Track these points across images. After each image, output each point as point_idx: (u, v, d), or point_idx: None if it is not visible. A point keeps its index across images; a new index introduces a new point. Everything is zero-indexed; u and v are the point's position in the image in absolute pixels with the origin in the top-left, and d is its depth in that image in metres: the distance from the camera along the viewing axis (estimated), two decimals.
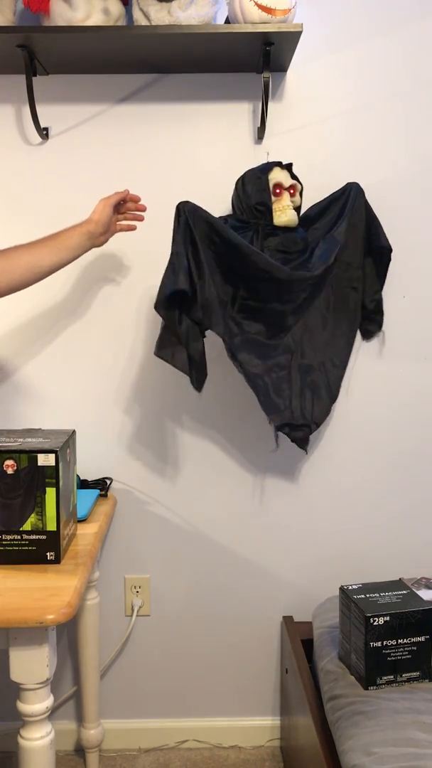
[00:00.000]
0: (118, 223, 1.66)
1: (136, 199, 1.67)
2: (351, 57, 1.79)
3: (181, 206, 1.62)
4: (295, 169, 1.74)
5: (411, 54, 1.79)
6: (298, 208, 1.72)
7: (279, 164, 1.71)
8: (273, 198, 1.68)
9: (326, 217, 1.76)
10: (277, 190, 1.68)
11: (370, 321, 1.83)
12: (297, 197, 1.71)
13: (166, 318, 1.59)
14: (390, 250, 1.77)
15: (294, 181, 1.71)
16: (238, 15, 1.57)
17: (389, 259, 1.78)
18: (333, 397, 1.79)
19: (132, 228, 1.68)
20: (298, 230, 1.72)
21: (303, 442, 1.76)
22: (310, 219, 1.76)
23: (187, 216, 1.60)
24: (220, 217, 1.70)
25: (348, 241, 1.72)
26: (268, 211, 1.68)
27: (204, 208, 1.75)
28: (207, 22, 1.62)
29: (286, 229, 1.69)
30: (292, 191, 1.70)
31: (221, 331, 1.66)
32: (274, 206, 1.68)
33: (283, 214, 1.68)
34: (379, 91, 1.80)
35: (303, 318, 1.75)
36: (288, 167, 1.71)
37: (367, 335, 1.85)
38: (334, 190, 1.76)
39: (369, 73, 1.80)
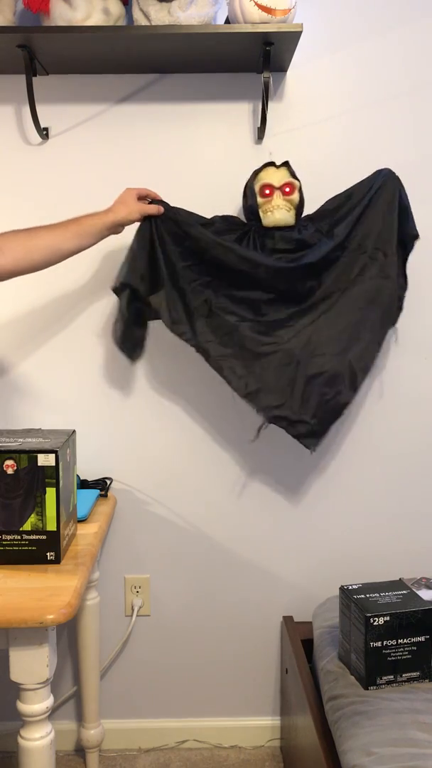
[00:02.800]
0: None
1: (157, 198, 1.68)
2: (351, 57, 1.79)
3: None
4: (295, 169, 1.74)
5: (411, 54, 1.79)
6: (298, 206, 1.71)
7: (272, 164, 1.71)
8: (261, 199, 1.68)
9: (344, 208, 1.72)
10: (267, 191, 1.67)
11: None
12: (294, 195, 1.69)
13: (120, 299, 1.69)
14: (414, 237, 1.73)
15: (291, 179, 1.69)
16: (238, 15, 1.57)
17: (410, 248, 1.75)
18: (347, 393, 1.70)
19: (161, 210, 1.66)
20: (300, 228, 1.71)
21: (306, 440, 1.70)
22: (329, 212, 1.73)
23: (152, 221, 1.65)
24: (211, 218, 1.72)
25: (371, 228, 1.70)
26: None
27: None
28: (207, 22, 1.62)
29: (283, 229, 1.69)
30: (288, 190, 1.68)
31: (184, 329, 1.69)
32: (262, 207, 1.68)
33: (271, 214, 1.67)
34: (379, 91, 1.80)
35: (308, 311, 1.72)
36: (285, 165, 1.71)
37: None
38: (335, 189, 1.76)
39: (369, 73, 1.80)
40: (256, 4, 1.55)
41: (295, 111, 1.80)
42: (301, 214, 1.73)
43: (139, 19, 1.63)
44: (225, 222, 1.72)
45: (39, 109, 1.76)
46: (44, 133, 1.79)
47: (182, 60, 1.71)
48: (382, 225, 1.70)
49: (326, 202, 1.75)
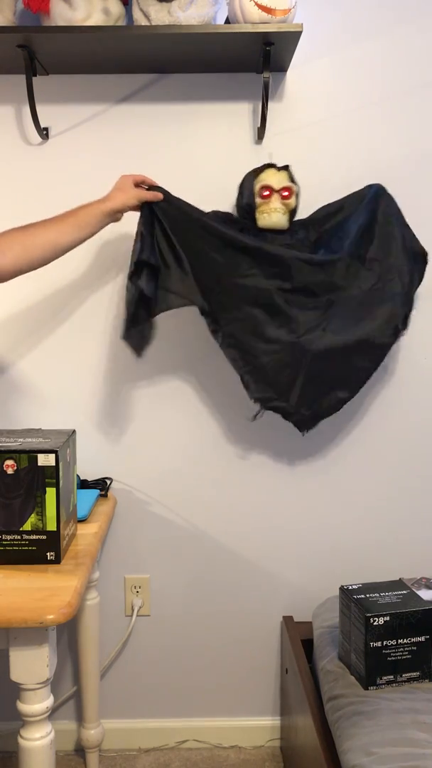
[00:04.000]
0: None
1: (154, 185, 1.64)
2: (351, 57, 1.79)
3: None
4: (294, 169, 1.74)
5: (411, 54, 1.79)
6: (293, 211, 1.71)
7: (273, 166, 1.70)
8: (259, 200, 1.68)
9: (334, 219, 1.73)
10: (265, 192, 1.67)
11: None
12: (291, 200, 1.69)
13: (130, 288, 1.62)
14: (422, 253, 1.74)
15: (290, 184, 1.69)
16: (238, 15, 1.57)
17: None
18: (342, 393, 1.71)
19: (149, 198, 1.62)
20: (292, 233, 1.71)
21: (300, 425, 1.73)
22: (320, 220, 1.74)
23: (152, 206, 1.62)
24: (207, 212, 1.70)
25: (365, 239, 1.68)
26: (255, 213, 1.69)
27: (203, 207, 1.75)
28: (207, 22, 1.62)
29: (273, 232, 1.69)
30: (285, 194, 1.68)
31: (200, 302, 1.65)
32: (259, 208, 1.68)
33: (268, 216, 1.67)
34: (379, 91, 1.80)
35: (315, 309, 1.69)
36: (285, 169, 1.71)
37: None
38: (334, 189, 1.76)
39: (369, 73, 1.80)
40: (256, 4, 1.55)
41: (295, 111, 1.80)
42: (294, 218, 1.73)
43: (139, 19, 1.63)
44: (219, 218, 1.72)
45: (39, 109, 1.76)
46: (44, 133, 1.79)
47: (182, 60, 1.71)
48: (377, 236, 1.68)
49: (318, 210, 1.76)
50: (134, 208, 1.60)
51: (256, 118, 1.80)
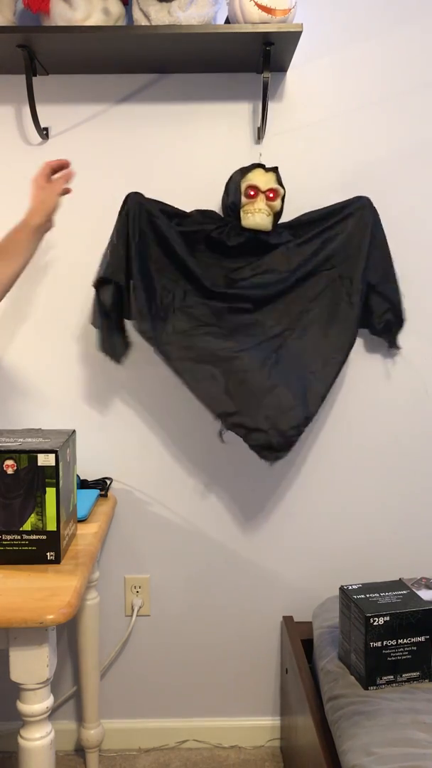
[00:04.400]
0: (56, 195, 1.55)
1: (64, 165, 1.57)
2: (351, 57, 1.79)
3: (129, 197, 1.67)
4: (294, 169, 1.74)
5: (411, 54, 1.79)
6: (277, 214, 1.71)
7: (262, 166, 1.71)
8: (245, 199, 1.68)
9: (318, 226, 1.73)
10: (251, 192, 1.67)
11: (385, 338, 1.82)
12: (276, 202, 1.69)
13: (98, 294, 1.68)
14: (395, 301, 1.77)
15: (276, 186, 1.69)
16: (238, 15, 1.57)
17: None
18: (308, 408, 1.67)
19: (68, 191, 1.58)
20: (273, 234, 1.71)
21: (264, 452, 1.65)
22: (300, 225, 1.75)
23: (129, 208, 1.65)
24: (189, 212, 1.73)
25: (347, 253, 1.71)
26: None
27: (203, 207, 1.76)
28: (207, 22, 1.62)
29: (256, 231, 1.69)
30: (271, 195, 1.68)
31: (146, 327, 1.66)
32: (244, 207, 1.68)
33: (252, 216, 1.67)
34: (379, 91, 1.80)
35: (274, 323, 1.73)
36: (274, 170, 1.71)
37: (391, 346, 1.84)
38: (334, 189, 1.77)
39: (369, 73, 1.80)
40: (256, 4, 1.55)
41: (295, 111, 1.80)
42: (278, 221, 1.73)
43: (139, 19, 1.63)
44: (202, 215, 1.73)
45: (39, 109, 1.76)
46: (44, 133, 1.79)
47: (182, 60, 1.71)
48: (352, 251, 1.71)
49: (304, 214, 1.76)
50: (56, 205, 1.55)
51: (256, 118, 1.80)
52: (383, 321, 1.77)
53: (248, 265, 1.72)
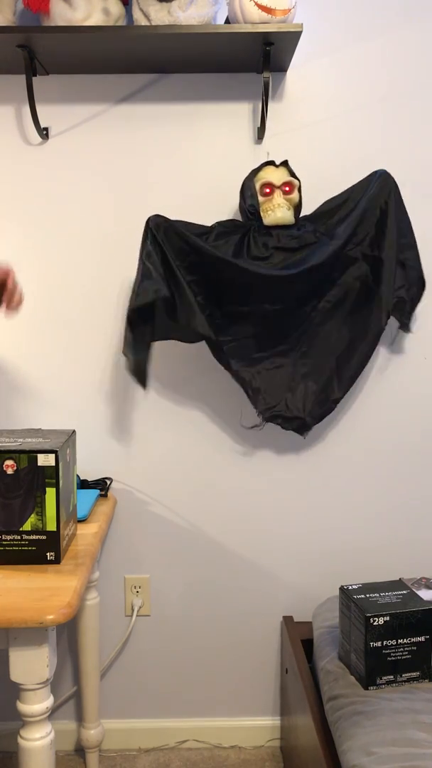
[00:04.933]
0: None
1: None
2: (351, 57, 1.79)
3: (150, 220, 1.65)
4: (294, 169, 1.74)
5: (411, 54, 1.79)
6: (298, 206, 1.71)
7: (272, 163, 1.71)
8: (262, 198, 1.68)
9: (342, 210, 1.72)
10: (267, 190, 1.68)
11: (397, 319, 1.78)
12: (294, 194, 1.69)
13: (131, 324, 1.64)
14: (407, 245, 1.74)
15: (290, 179, 1.69)
16: (238, 15, 1.57)
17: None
18: (335, 394, 1.76)
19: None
20: (299, 227, 1.71)
21: (301, 430, 1.77)
22: (326, 213, 1.74)
23: (153, 230, 1.64)
24: (210, 225, 1.72)
25: (368, 231, 1.69)
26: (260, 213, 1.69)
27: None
28: (207, 22, 1.62)
29: (283, 227, 1.69)
30: (287, 189, 1.69)
31: (206, 330, 1.66)
32: (263, 206, 1.68)
33: (273, 212, 1.67)
34: (379, 91, 1.80)
35: (303, 316, 1.74)
36: (284, 164, 1.71)
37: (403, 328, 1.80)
38: (335, 189, 1.76)
39: (369, 73, 1.80)
40: (256, 4, 1.55)
41: (295, 111, 1.80)
42: (300, 213, 1.73)
43: (139, 19, 1.63)
44: (224, 226, 1.72)
45: (39, 109, 1.76)
46: (44, 133, 1.79)
47: (182, 60, 1.71)
48: (377, 229, 1.70)
49: (323, 203, 1.76)
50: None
51: (256, 118, 1.80)
52: (395, 297, 1.73)
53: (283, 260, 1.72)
